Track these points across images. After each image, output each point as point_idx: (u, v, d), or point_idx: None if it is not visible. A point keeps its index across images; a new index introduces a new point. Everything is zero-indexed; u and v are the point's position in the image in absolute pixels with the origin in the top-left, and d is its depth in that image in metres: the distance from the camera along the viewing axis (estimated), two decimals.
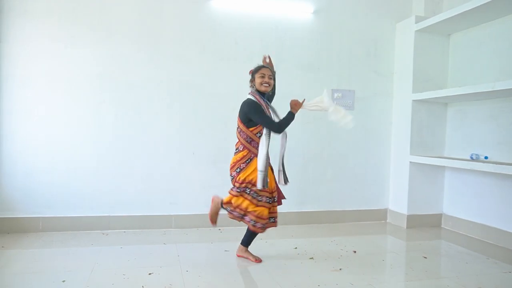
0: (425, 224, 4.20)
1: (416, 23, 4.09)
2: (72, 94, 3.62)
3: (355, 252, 3.26)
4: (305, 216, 4.18)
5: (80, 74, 3.62)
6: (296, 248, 3.33)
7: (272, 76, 2.95)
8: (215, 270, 2.78)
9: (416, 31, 4.10)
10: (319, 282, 2.60)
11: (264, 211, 2.81)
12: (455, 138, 4.15)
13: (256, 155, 2.84)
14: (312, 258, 3.07)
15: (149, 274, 2.65)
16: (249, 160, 2.86)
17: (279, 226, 3.99)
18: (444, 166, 4.19)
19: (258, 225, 2.82)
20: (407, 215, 4.16)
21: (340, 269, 2.84)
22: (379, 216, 4.43)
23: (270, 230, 3.85)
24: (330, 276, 2.70)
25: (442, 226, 4.25)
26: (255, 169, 2.80)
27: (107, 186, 3.71)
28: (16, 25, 3.51)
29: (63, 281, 2.49)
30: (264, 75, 2.87)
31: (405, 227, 4.15)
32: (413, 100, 4.12)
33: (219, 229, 3.85)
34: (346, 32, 4.28)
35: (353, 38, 4.30)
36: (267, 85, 2.88)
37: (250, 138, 2.86)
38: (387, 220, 4.44)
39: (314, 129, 4.21)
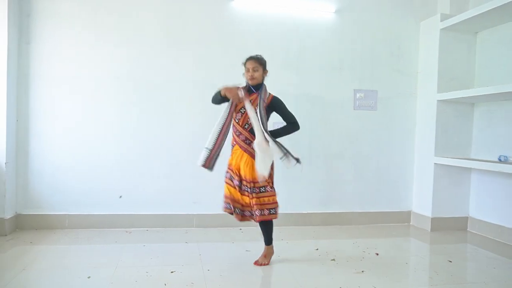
0: (450, 227, 4.10)
1: (441, 21, 3.99)
2: (96, 94, 3.70)
3: (377, 254, 3.21)
4: (327, 217, 4.15)
5: (104, 75, 3.69)
6: (317, 249, 3.30)
7: (259, 67, 2.86)
8: (237, 269, 2.79)
9: (442, 29, 4.00)
10: (341, 284, 2.57)
11: (228, 189, 2.86)
12: (482, 139, 4.04)
13: (235, 140, 2.90)
14: (333, 259, 3.05)
15: (171, 272, 2.68)
16: (232, 146, 2.95)
17: (300, 227, 4.02)
18: (470, 168, 4.08)
19: (224, 204, 2.89)
20: (432, 218, 4.06)
21: (363, 271, 2.81)
22: (402, 218, 4.35)
23: (291, 230, 3.87)
24: (352, 279, 2.67)
25: (468, 229, 4.13)
26: (235, 157, 2.86)
27: (131, 185, 3.77)
28: (44, 27, 3.62)
29: (88, 277, 2.54)
30: (248, 69, 2.86)
31: (429, 230, 4.06)
32: (438, 100, 4.03)
33: (240, 229, 3.87)
34: (368, 32, 4.22)
35: (376, 38, 4.24)
36: (251, 78, 2.85)
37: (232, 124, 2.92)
38: (411, 223, 4.35)
39: (336, 129, 4.18)
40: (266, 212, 2.79)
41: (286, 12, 4.03)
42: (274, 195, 2.84)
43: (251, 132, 2.80)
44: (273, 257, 3.00)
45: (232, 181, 2.86)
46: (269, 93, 2.93)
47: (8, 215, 3.45)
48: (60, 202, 3.67)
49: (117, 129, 3.76)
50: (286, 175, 4.08)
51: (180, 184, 3.86)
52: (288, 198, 4.08)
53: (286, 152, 2.79)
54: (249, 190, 2.79)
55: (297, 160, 2.81)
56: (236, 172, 2.84)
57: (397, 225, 4.28)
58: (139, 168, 3.79)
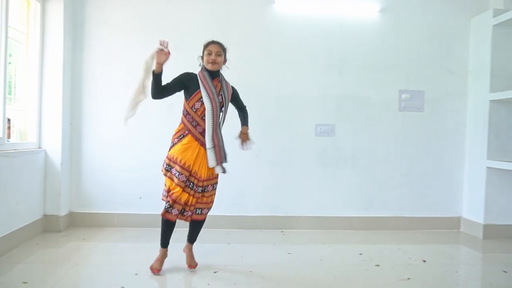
0: (504, 235, 3.85)
1: (494, 17, 3.78)
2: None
3: (424, 261, 3.08)
4: (370, 222, 4.05)
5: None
6: (361, 254, 3.23)
7: (222, 53, 2.70)
8: (279, 272, 2.79)
9: (494, 25, 3.79)
10: None
11: (180, 194, 2.55)
12: None
13: (190, 132, 2.60)
14: (378, 265, 2.96)
15: (214, 272, 2.72)
16: (182, 136, 2.64)
17: (343, 231, 3.95)
18: None
19: (171, 210, 2.57)
20: (484, 225, 3.85)
21: (409, 278, 2.71)
22: (452, 224, 4.15)
23: (333, 234, 3.82)
24: (397, 285, 2.59)
25: None
26: (186, 148, 2.58)
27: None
28: (96, 35, 3.82)
29: (136, 274, 2.65)
30: (211, 52, 2.64)
31: (481, 237, 3.84)
32: (491, 100, 3.81)
33: (282, 231, 3.87)
34: (415, 30, 4.08)
35: (423, 36, 4.09)
36: (213, 62, 2.62)
37: (186, 111, 2.65)
38: (460, 229, 4.15)
39: (380, 131, 4.07)
40: (206, 211, 2.74)
41: (328, 12, 3.99)
42: (215, 193, 2.77)
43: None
44: (315, 261, 2.98)
45: (175, 176, 2.57)
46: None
47: (63, 212, 3.66)
48: (109, 201, 3.85)
49: (165, 130, 3.85)
50: (329, 179, 4.04)
51: (223, 185, 3.88)
52: (331, 202, 4.04)
53: (222, 158, 2.65)
54: (198, 189, 2.60)
55: (224, 171, 2.70)
56: (185, 167, 2.56)
57: (446, 231, 4.09)
58: None
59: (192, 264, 2.77)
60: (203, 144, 2.61)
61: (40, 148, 3.58)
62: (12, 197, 3.06)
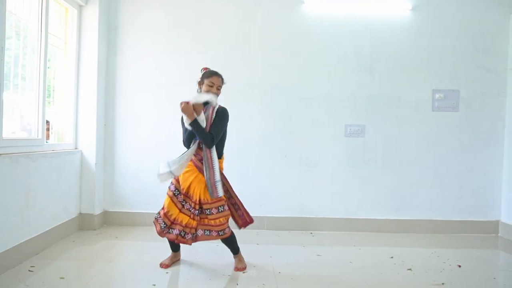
0: None
1: None
2: (173, 100, 3.87)
3: (459, 266, 2.98)
4: (402, 224, 3.95)
5: (181, 81, 3.89)
6: (392, 257, 3.15)
7: (221, 86, 2.71)
8: (308, 273, 2.77)
9: None
10: None
11: (177, 215, 2.65)
12: None
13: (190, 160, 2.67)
14: (410, 269, 2.89)
15: (243, 272, 2.74)
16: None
17: (372, 233, 3.88)
18: None
19: (171, 231, 2.65)
20: None
21: (443, 283, 2.62)
22: (489, 228, 3.98)
23: (363, 237, 3.75)
24: None
25: None
26: (187, 171, 2.66)
27: None
28: (128, 40, 3.93)
29: (167, 273, 2.70)
30: (213, 85, 2.64)
31: None
32: None
33: (311, 233, 3.84)
34: (449, 27, 3.95)
35: (458, 33, 3.96)
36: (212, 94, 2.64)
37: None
38: (499, 234, 3.97)
39: (412, 131, 3.97)
40: (215, 234, 2.67)
41: (357, 12, 3.93)
42: (224, 216, 2.67)
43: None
44: (345, 264, 2.94)
45: (175, 196, 2.70)
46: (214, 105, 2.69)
47: (97, 211, 3.79)
48: (141, 201, 3.94)
49: None
50: (358, 180, 3.98)
51: (251, 186, 3.92)
52: (360, 203, 3.97)
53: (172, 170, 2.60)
54: (195, 211, 2.65)
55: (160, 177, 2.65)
56: (181, 188, 2.69)
57: (483, 235, 3.93)
58: None
59: (237, 267, 2.79)
60: (200, 170, 2.65)
61: (76, 149, 3.72)
62: (51, 196, 3.19)
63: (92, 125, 3.74)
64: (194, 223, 2.66)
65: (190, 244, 2.72)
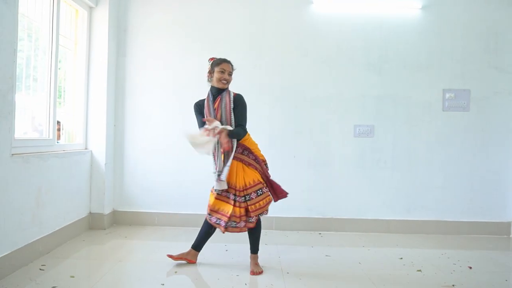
0: None
1: None
2: (182, 101, 3.92)
3: (470, 268, 2.94)
4: (411, 225, 3.92)
5: (190, 82, 3.91)
6: (401, 258, 3.13)
7: (232, 72, 2.78)
8: (316, 274, 2.76)
9: None
10: None
11: (211, 198, 2.75)
12: None
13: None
14: (419, 270, 2.86)
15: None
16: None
17: (381, 234, 3.85)
18: None
19: (219, 222, 2.70)
20: None
21: (453, 285, 2.59)
22: (501, 230, 3.93)
23: (372, 237, 3.72)
24: None
25: None
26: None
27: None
28: (137, 41, 3.97)
29: (175, 272, 2.72)
30: (224, 71, 2.70)
31: None
32: None
33: (320, 233, 3.83)
34: (460, 26, 3.92)
35: (468, 32, 3.91)
36: (225, 81, 2.72)
37: None
38: (511, 235, 3.92)
39: (422, 132, 3.94)
40: (253, 219, 2.69)
41: (367, 11, 3.92)
42: (264, 198, 2.72)
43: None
44: (354, 264, 2.93)
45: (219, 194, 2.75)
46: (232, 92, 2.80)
47: (107, 211, 3.82)
48: (150, 201, 3.97)
49: None
50: (368, 180, 3.96)
51: None
52: (369, 204, 3.95)
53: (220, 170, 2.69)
54: (238, 198, 2.67)
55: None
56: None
57: (494, 237, 3.88)
58: None
59: (254, 271, 2.73)
60: (236, 158, 2.73)
61: (86, 149, 3.76)
62: (61, 195, 3.23)
63: (102, 125, 3.78)
64: (241, 211, 2.66)
65: (245, 231, 2.74)
